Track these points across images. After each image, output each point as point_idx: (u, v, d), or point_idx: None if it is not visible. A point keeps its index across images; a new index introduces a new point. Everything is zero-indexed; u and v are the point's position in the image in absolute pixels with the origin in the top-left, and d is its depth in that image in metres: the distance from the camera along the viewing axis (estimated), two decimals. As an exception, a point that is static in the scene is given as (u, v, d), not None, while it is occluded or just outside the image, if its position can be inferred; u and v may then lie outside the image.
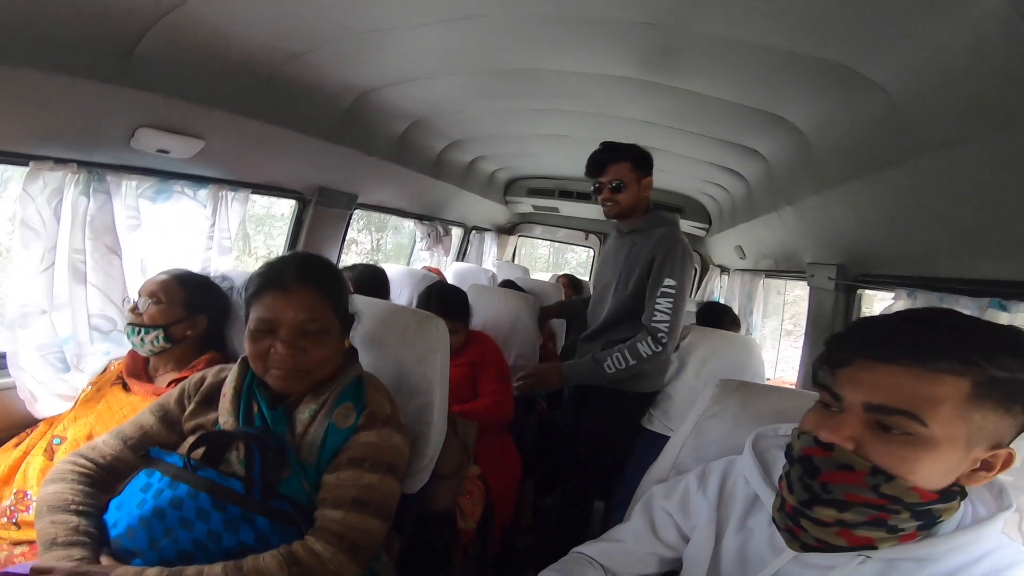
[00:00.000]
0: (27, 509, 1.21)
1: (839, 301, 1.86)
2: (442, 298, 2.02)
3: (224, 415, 1.06)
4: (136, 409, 1.31)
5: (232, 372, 1.10)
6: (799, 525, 0.67)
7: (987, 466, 0.64)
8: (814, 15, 1.09)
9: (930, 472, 0.62)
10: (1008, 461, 0.64)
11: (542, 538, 2.31)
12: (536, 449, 2.63)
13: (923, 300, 1.34)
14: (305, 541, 0.92)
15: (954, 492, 0.64)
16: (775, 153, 2.01)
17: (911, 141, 1.16)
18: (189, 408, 1.11)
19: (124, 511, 0.95)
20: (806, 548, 0.68)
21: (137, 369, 1.46)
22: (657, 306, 1.71)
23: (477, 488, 1.78)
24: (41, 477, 1.24)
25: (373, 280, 2.23)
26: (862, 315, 1.83)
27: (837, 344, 0.70)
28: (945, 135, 1.04)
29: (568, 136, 2.68)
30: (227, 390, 1.08)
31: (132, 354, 1.48)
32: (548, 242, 6.26)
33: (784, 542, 0.71)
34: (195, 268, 1.83)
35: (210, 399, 1.11)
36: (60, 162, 1.41)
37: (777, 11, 1.11)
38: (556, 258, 9.58)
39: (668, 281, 1.71)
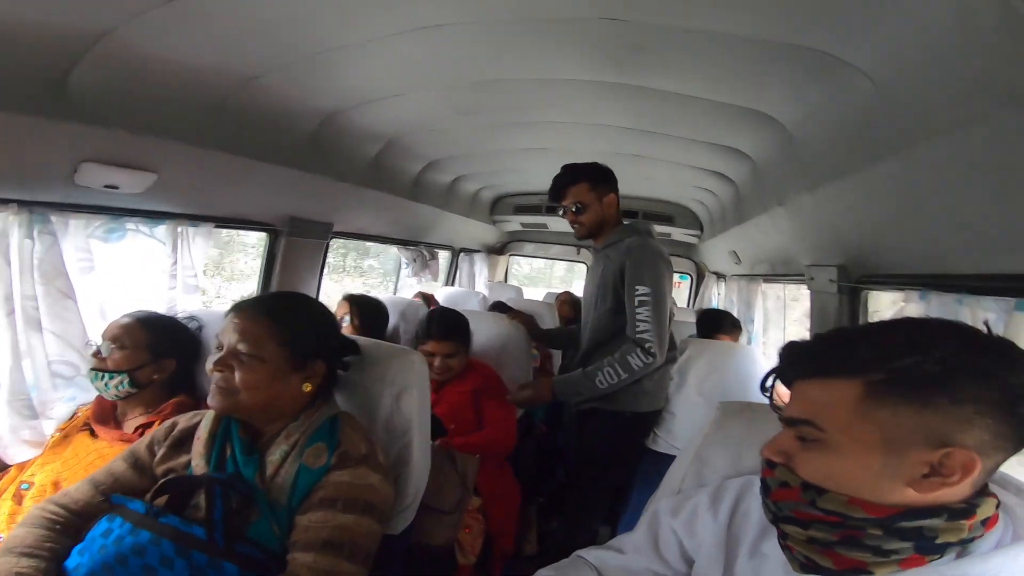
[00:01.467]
0: None
1: (843, 304, 1.76)
2: (443, 317, 2.01)
3: (196, 458, 1.06)
4: (103, 455, 1.32)
5: (208, 416, 1.10)
6: (786, 544, 0.69)
7: (938, 471, 0.59)
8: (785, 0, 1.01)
9: (852, 478, 0.62)
10: (969, 464, 0.58)
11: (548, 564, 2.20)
12: (537, 473, 2.57)
13: (937, 302, 1.24)
14: None
15: (938, 509, 0.60)
16: (761, 152, 1.94)
17: (903, 129, 1.07)
18: (160, 453, 1.10)
19: (86, 556, 0.93)
20: (805, 569, 0.68)
21: (105, 414, 1.43)
22: (637, 315, 1.67)
23: (476, 521, 1.73)
24: (9, 521, 1.22)
25: (375, 310, 2.27)
26: (870, 318, 1.75)
27: (771, 371, 0.74)
28: (940, 120, 0.96)
29: (549, 148, 2.62)
30: (202, 433, 1.08)
31: (99, 399, 1.45)
32: (529, 259, 6.16)
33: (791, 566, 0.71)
34: (160, 309, 1.75)
35: (181, 443, 1.11)
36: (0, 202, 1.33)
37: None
38: (541, 273, 9.49)
39: (640, 289, 1.67)
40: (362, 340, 1.33)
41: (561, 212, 1.89)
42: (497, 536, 1.81)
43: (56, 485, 1.27)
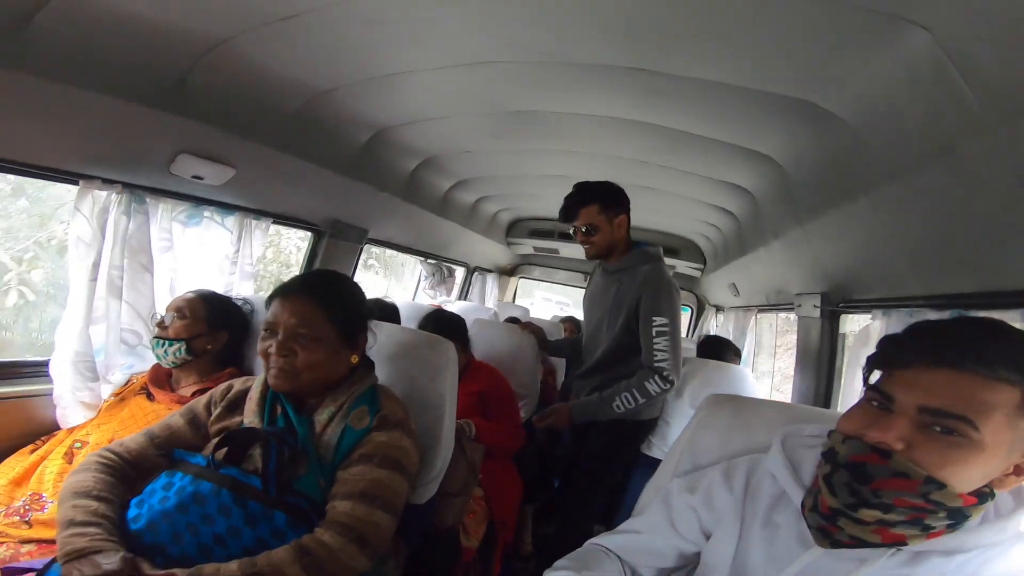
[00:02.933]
0: (41, 509, 1.24)
1: (824, 327, 1.96)
2: (439, 318, 2.15)
3: (250, 416, 1.12)
4: (159, 416, 1.40)
5: (259, 378, 1.17)
6: (835, 524, 0.68)
7: (1019, 471, 0.66)
8: (778, 55, 1.24)
9: (973, 475, 0.63)
10: None
11: (543, 565, 2.29)
12: (536, 479, 2.63)
13: (896, 318, 1.44)
14: (315, 533, 0.96)
15: (986, 494, 0.66)
16: (760, 188, 2.15)
17: (873, 170, 1.29)
18: (215, 412, 1.17)
19: (145, 508, 0.98)
20: (836, 545, 0.70)
21: (160, 380, 1.54)
22: (655, 345, 1.72)
23: (480, 507, 1.81)
24: (58, 480, 1.28)
25: (382, 312, 2.32)
26: (842, 336, 1.94)
27: (896, 346, 0.71)
28: (898, 163, 1.18)
29: (567, 176, 2.79)
30: (254, 393, 1.15)
31: (156, 367, 1.57)
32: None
33: (813, 539, 0.72)
34: (219, 290, 1.95)
35: (235, 405, 1.18)
36: (107, 182, 1.55)
37: (747, 54, 1.28)
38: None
39: (658, 320, 1.72)
40: (401, 329, 1.49)
41: (572, 232, 1.90)
42: (499, 525, 1.90)
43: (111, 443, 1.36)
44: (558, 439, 3.22)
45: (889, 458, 0.65)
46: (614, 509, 2.03)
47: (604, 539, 0.94)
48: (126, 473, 1.07)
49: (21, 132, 1.33)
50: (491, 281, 4.82)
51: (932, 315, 1.28)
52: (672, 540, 0.90)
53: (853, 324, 1.99)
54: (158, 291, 1.78)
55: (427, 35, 1.44)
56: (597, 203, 1.81)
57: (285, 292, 1.12)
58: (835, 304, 1.88)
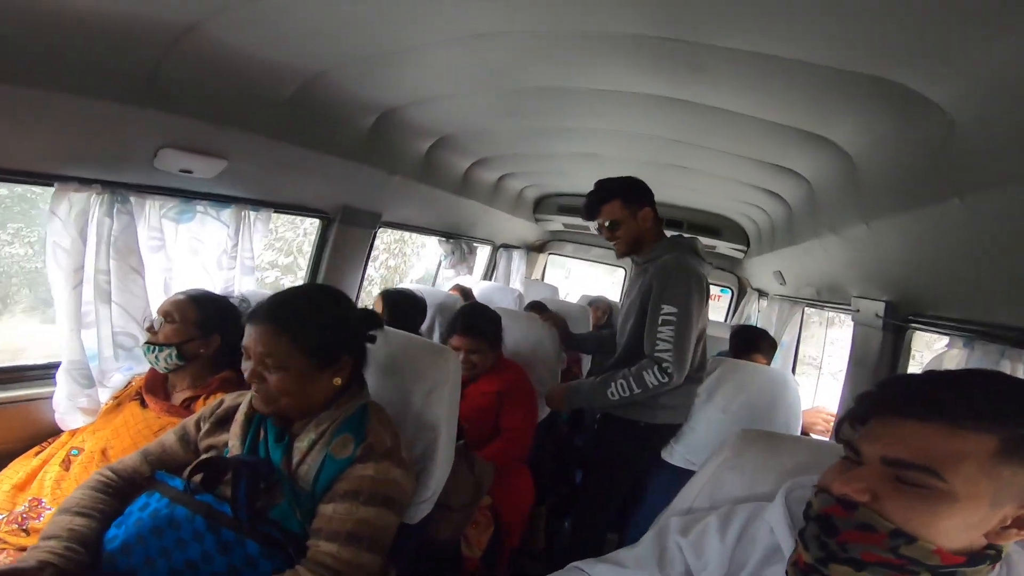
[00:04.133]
0: (38, 517, 1.23)
1: (886, 341, 1.71)
2: (471, 313, 2.05)
3: (233, 439, 1.11)
4: (150, 424, 1.40)
5: (246, 399, 1.14)
6: None
7: (1017, 523, 0.62)
8: (860, 28, 0.99)
9: (949, 529, 0.61)
10: None
11: (553, 563, 2.23)
12: (553, 474, 2.58)
13: (981, 351, 1.20)
14: (299, 573, 0.93)
15: (985, 555, 0.62)
16: (819, 176, 1.89)
17: (973, 172, 1.04)
18: (204, 428, 1.16)
19: (122, 529, 0.99)
20: None
21: (155, 385, 1.50)
22: (659, 335, 1.64)
23: (484, 517, 1.76)
24: (55, 487, 1.28)
25: (408, 304, 2.32)
26: (911, 359, 1.69)
27: (863, 399, 0.71)
28: (1011, 167, 0.93)
29: (597, 154, 2.62)
30: (239, 416, 1.12)
31: (152, 371, 1.53)
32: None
33: None
34: (218, 289, 1.87)
35: (225, 420, 1.16)
36: (84, 183, 1.44)
37: (814, 25, 1.03)
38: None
39: (666, 308, 1.64)
40: (396, 334, 1.37)
41: (597, 229, 1.89)
42: (505, 533, 1.84)
43: (104, 452, 1.34)
44: (580, 428, 3.14)
45: (855, 510, 0.64)
46: (629, 517, 1.93)
47: (588, 565, 0.93)
48: (121, 490, 1.09)
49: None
50: (518, 258, 4.63)
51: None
52: None
53: (917, 344, 1.73)
54: (152, 292, 1.70)
55: (429, 6, 1.25)
56: (618, 198, 1.78)
57: (253, 317, 1.08)
58: (902, 317, 1.62)
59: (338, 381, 1.11)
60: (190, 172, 1.59)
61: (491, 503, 1.79)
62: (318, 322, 1.09)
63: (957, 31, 0.89)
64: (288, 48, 1.40)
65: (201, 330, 1.49)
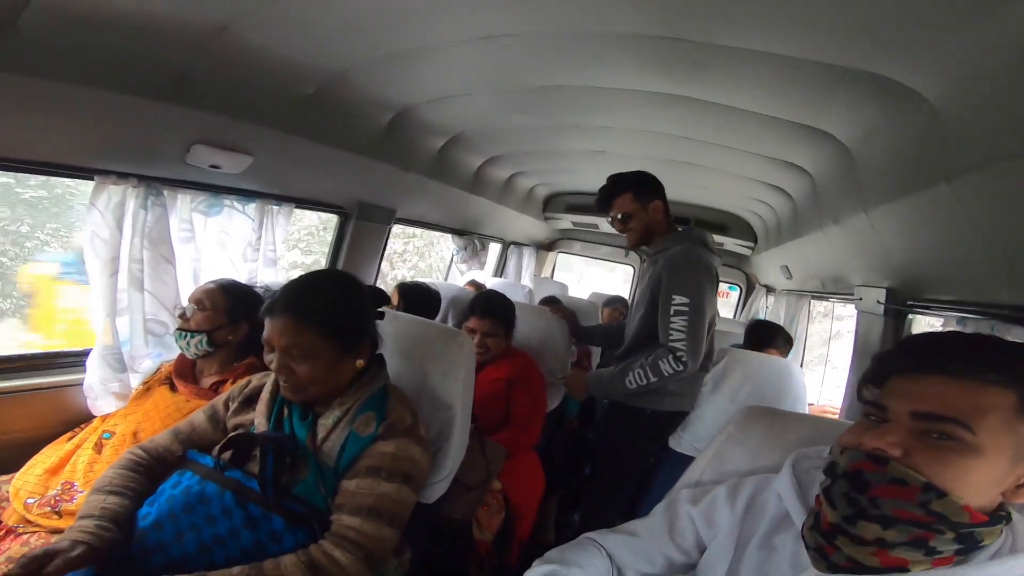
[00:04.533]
0: (71, 499, 1.27)
1: (887, 326, 1.75)
2: (487, 298, 2.09)
3: (259, 417, 1.14)
4: (179, 407, 1.44)
5: (271, 379, 1.17)
6: (833, 544, 0.65)
7: None
8: (848, 25, 1.05)
9: (977, 483, 0.62)
10: None
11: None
12: (564, 465, 2.60)
13: (973, 328, 1.25)
14: (323, 547, 0.97)
15: (1000, 516, 0.64)
16: (820, 169, 1.93)
17: (960, 156, 1.09)
18: (232, 407, 1.20)
19: (155, 506, 1.02)
20: (833, 569, 0.66)
21: (185, 370, 1.55)
22: (672, 325, 1.68)
23: (495, 500, 1.79)
24: (88, 470, 1.32)
25: (423, 296, 2.38)
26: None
27: (883, 359, 0.72)
28: (996, 149, 0.98)
29: (606, 152, 2.67)
30: (265, 395, 1.16)
31: (182, 357, 1.58)
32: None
33: (810, 561, 0.69)
34: (242, 279, 1.94)
35: (251, 400, 1.19)
36: (122, 176, 1.53)
37: (807, 23, 1.09)
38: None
39: (677, 299, 1.68)
40: (414, 320, 1.43)
41: (610, 222, 1.94)
42: (515, 519, 1.86)
43: (135, 435, 1.37)
44: (591, 423, 3.18)
45: (886, 464, 0.64)
46: (638, 504, 1.97)
47: (600, 535, 0.95)
48: (152, 468, 1.12)
49: (31, 131, 1.32)
50: (527, 255, 4.69)
51: (1020, 332, 1.08)
52: (665, 548, 0.90)
53: (921, 325, 1.77)
54: (182, 281, 1.78)
55: (442, 8, 1.32)
56: (630, 191, 1.84)
57: (270, 311, 1.08)
58: (902, 302, 1.66)
59: (361, 363, 1.14)
60: (219, 168, 1.67)
61: (501, 488, 1.82)
62: (339, 308, 1.10)
63: (935, 23, 0.94)
64: (311, 48, 1.48)
65: (230, 318, 1.54)
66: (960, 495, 0.61)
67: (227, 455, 1.06)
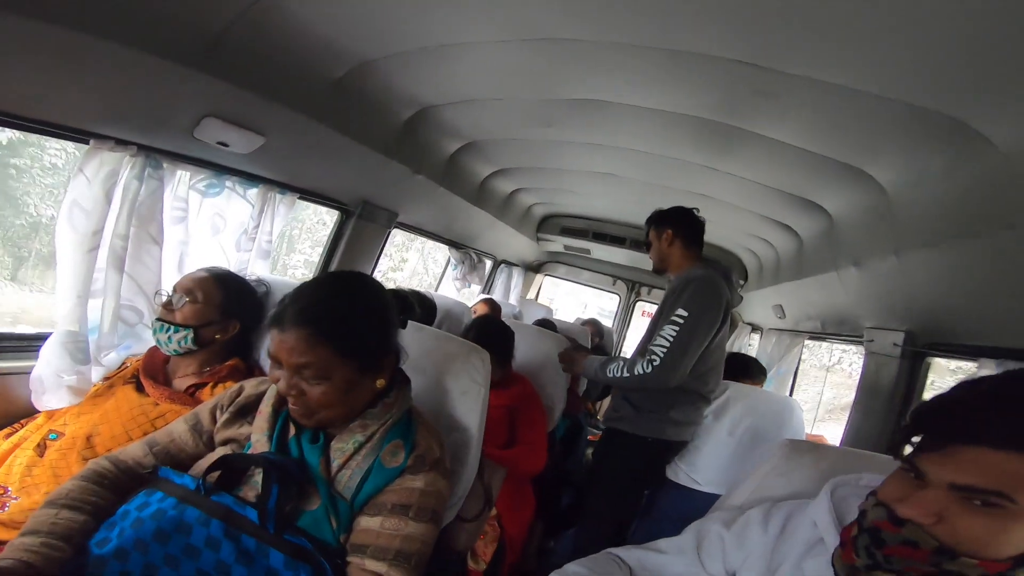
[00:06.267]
0: (2, 507, 1.11)
1: (903, 369, 1.75)
2: (485, 325, 2.03)
3: (257, 434, 0.98)
4: (145, 412, 1.26)
5: (272, 389, 1.01)
6: None
7: None
8: (927, 63, 1.03)
9: (1016, 543, 0.63)
10: None
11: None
12: (548, 492, 2.50)
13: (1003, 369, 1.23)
14: None
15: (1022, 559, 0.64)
16: (844, 209, 1.93)
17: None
18: (222, 419, 1.04)
19: (116, 531, 0.86)
20: None
21: (155, 369, 1.37)
22: (661, 332, 1.69)
23: (492, 529, 1.73)
24: (25, 474, 1.14)
25: (421, 306, 2.29)
26: (927, 386, 1.73)
27: (922, 423, 0.70)
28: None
29: (613, 175, 2.64)
30: (264, 408, 1.00)
31: (152, 352, 1.40)
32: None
33: None
34: (232, 269, 1.77)
35: (246, 411, 1.04)
36: (121, 143, 1.37)
37: (884, 58, 1.06)
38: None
39: (679, 311, 1.69)
40: (434, 331, 1.34)
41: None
42: (509, 545, 1.80)
43: (88, 439, 1.20)
44: (572, 449, 3.11)
45: (901, 526, 0.66)
46: (626, 531, 1.91)
47: (623, 551, 0.93)
48: (119, 482, 0.97)
49: (26, 83, 1.15)
50: (516, 275, 4.62)
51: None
52: (691, 568, 0.90)
53: (934, 371, 1.78)
54: (165, 265, 1.59)
55: (480, 5, 1.25)
56: (652, 224, 2.00)
57: (279, 323, 0.91)
58: (921, 345, 1.66)
59: (381, 383, 0.99)
60: (227, 145, 1.53)
61: (496, 514, 1.75)
62: (361, 321, 0.95)
63: (1021, 70, 0.93)
64: (349, 27, 1.38)
65: (222, 314, 1.39)
66: (992, 554, 0.62)
67: (213, 476, 0.91)
